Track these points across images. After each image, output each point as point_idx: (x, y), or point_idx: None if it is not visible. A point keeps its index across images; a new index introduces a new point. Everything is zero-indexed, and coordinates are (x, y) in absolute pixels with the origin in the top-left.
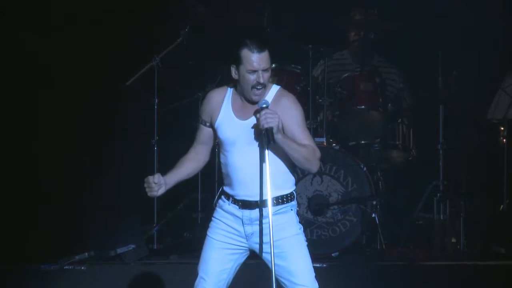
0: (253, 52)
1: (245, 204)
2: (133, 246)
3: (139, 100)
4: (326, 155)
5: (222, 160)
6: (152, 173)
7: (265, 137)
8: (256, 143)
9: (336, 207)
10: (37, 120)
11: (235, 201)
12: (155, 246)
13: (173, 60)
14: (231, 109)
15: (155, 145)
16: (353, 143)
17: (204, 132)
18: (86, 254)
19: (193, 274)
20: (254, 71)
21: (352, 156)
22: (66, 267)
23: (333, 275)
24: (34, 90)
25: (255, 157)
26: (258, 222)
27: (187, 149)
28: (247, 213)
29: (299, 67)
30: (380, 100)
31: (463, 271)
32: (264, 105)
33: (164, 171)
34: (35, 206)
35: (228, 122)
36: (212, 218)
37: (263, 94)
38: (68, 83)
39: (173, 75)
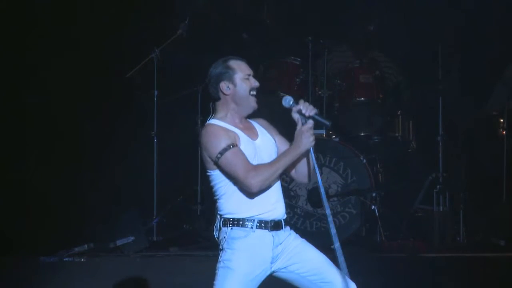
0: (241, 60)
1: (277, 225)
2: (132, 238)
3: (138, 93)
4: (326, 147)
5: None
6: (151, 165)
7: (318, 122)
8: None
9: (335, 199)
10: (36, 113)
11: (263, 225)
12: (154, 238)
13: (172, 53)
14: (242, 132)
15: (155, 137)
16: (353, 135)
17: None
18: (86, 246)
19: (193, 265)
20: (249, 75)
21: (352, 148)
22: (66, 259)
23: None
24: (33, 84)
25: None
26: (283, 242)
27: (185, 142)
28: (277, 234)
29: (299, 59)
30: (380, 92)
31: (463, 263)
32: (292, 102)
33: (163, 163)
34: (34, 199)
35: (248, 144)
36: (229, 258)
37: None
38: (68, 77)
39: (172, 68)
